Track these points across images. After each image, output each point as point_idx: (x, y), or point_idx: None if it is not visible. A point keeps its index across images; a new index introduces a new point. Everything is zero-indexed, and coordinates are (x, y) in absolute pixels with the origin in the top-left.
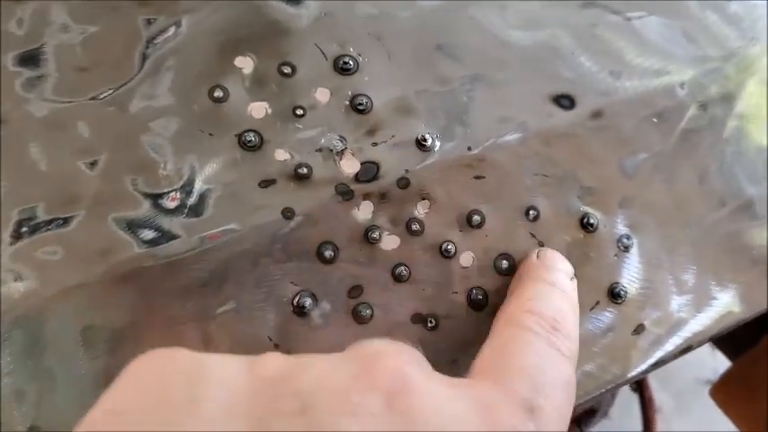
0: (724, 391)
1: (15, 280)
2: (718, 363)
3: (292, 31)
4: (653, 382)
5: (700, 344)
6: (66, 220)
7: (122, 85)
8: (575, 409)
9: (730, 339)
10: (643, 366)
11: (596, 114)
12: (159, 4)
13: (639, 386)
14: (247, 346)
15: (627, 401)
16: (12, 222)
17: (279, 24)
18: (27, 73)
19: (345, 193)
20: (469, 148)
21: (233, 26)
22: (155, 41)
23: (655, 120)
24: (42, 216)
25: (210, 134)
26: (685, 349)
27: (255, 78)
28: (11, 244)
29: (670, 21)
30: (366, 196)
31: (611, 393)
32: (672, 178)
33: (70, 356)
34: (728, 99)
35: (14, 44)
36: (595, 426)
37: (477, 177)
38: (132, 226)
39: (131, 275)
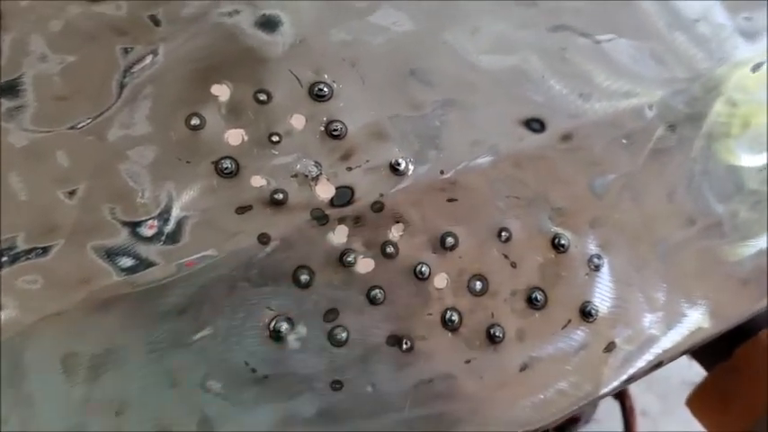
0: (699, 402)
1: None
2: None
3: (268, 59)
4: (639, 384)
5: (671, 359)
6: (45, 250)
7: (100, 114)
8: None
9: (705, 350)
10: (615, 383)
11: (566, 137)
12: (136, 32)
13: (620, 394)
14: (225, 371)
15: (611, 403)
16: None
17: (254, 52)
18: (6, 103)
19: (320, 218)
20: (442, 172)
21: (209, 54)
22: (132, 70)
23: (624, 141)
24: (22, 245)
25: (188, 161)
26: (656, 365)
27: (232, 106)
28: None
29: (639, 43)
30: (341, 220)
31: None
32: (641, 198)
33: (51, 383)
34: (696, 119)
35: None
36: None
37: (450, 200)
38: (111, 254)
39: (110, 303)
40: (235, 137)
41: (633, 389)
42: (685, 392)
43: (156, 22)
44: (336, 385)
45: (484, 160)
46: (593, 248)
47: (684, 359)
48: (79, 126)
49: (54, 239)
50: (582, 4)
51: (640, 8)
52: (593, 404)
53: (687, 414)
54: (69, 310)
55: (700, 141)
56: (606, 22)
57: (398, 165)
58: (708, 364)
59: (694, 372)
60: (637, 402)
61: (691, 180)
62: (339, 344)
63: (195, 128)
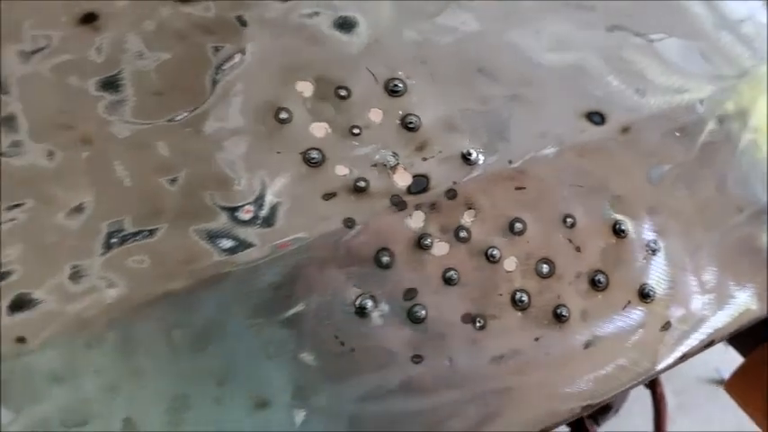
0: (738, 385)
1: (108, 287)
2: (719, 362)
3: (346, 57)
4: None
5: (721, 339)
6: (151, 232)
7: (196, 108)
8: (593, 405)
9: (741, 336)
10: (670, 360)
11: (625, 129)
12: (224, 32)
13: (652, 383)
14: (315, 345)
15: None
16: (102, 234)
17: (334, 51)
18: (108, 97)
19: (399, 204)
20: (510, 162)
21: (293, 53)
22: (223, 67)
23: (677, 134)
24: (129, 228)
25: (278, 152)
26: (708, 344)
27: (315, 101)
28: (102, 254)
29: (688, 42)
30: (418, 207)
31: (626, 391)
32: (694, 187)
33: (159, 356)
34: (743, 114)
35: (95, 70)
36: (607, 421)
37: (519, 188)
38: (212, 236)
39: (213, 281)
40: (319, 129)
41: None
42: (701, 389)
43: (243, 23)
44: (416, 359)
45: (549, 151)
46: (650, 234)
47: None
48: (177, 119)
49: (159, 223)
50: (635, 6)
51: (689, 10)
52: (627, 393)
53: (702, 410)
54: (175, 288)
55: (747, 135)
56: (658, 23)
57: (469, 155)
58: (743, 349)
59: (710, 369)
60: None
61: (739, 171)
62: (418, 321)
63: (283, 121)
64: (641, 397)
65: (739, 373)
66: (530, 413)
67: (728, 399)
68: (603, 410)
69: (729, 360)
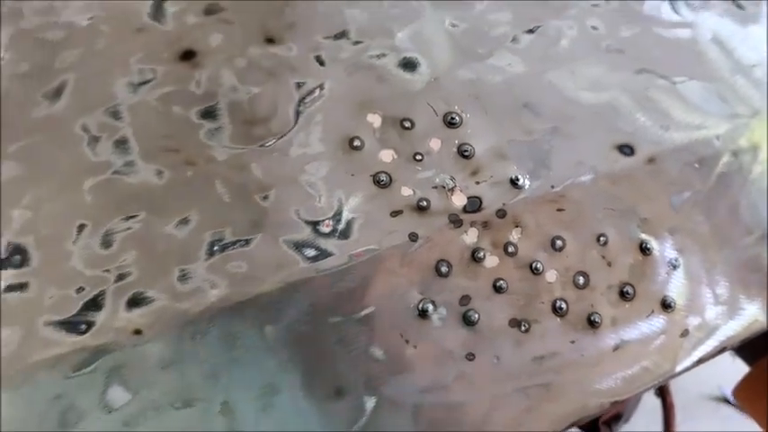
0: (745, 392)
1: (211, 287)
2: (722, 379)
3: (410, 93)
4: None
5: (732, 347)
6: (247, 241)
7: (283, 135)
8: (620, 401)
9: (747, 346)
10: (688, 363)
11: (651, 160)
12: (305, 70)
13: (662, 392)
14: (384, 342)
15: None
16: (205, 243)
17: (399, 87)
18: (207, 125)
19: (456, 222)
20: (552, 187)
21: (364, 89)
22: (305, 100)
23: (696, 165)
24: (229, 238)
25: (352, 174)
26: (721, 350)
27: (383, 131)
28: (206, 260)
29: (707, 84)
30: (472, 224)
31: (637, 400)
32: (709, 211)
33: (253, 348)
34: (755, 148)
35: (195, 101)
36: (619, 429)
37: (559, 210)
38: (298, 246)
39: (299, 284)
40: (387, 156)
41: (654, 400)
42: (703, 405)
43: (321, 62)
44: (469, 357)
45: (586, 178)
46: (671, 252)
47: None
48: (267, 144)
49: (254, 234)
50: (660, 51)
51: (707, 56)
52: (637, 401)
53: (704, 425)
54: (268, 290)
55: (757, 166)
56: (680, 67)
57: (517, 180)
58: (750, 359)
59: (713, 385)
60: (657, 412)
61: (749, 198)
62: (471, 323)
63: (356, 148)
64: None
65: (746, 382)
66: (565, 406)
67: (730, 415)
68: (616, 418)
69: (731, 378)
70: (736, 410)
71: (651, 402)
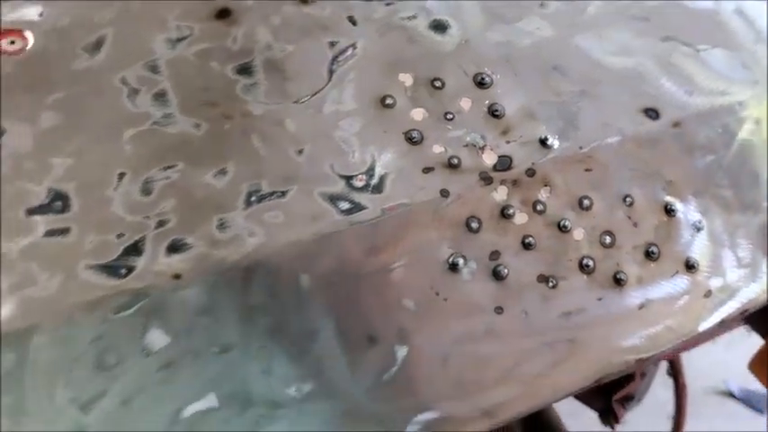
0: (759, 364)
1: (249, 236)
2: (726, 374)
3: (440, 54)
4: (666, 391)
5: (754, 308)
6: (283, 193)
7: (316, 93)
8: (615, 389)
9: (762, 319)
10: (710, 324)
11: (676, 124)
12: (338, 29)
13: (675, 373)
14: (415, 294)
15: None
16: (243, 193)
17: (429, 48)
18: (243, 80)
19: (486, 179)
20: (581, 147)
21: (395, 49)
22: (338, 59)
23: (719, 130)
24: (266, 189)
25: (384, 131)
26: (743, 312)
27: (415, 90)
28: (243, 209)
29: (730, 52)
30: (502, 182)
31: (648, 382)
32: (733, 175)
33: (290, 296)
34: None
35: (231, 57)
36: (630, 410)
37: (587, 170)
38: (332, 199)
39: (333, 235)
40: (418, 114)
41: (662, 393)
42: (709, 399)
43: (353, 23)
44: (498, 310)
45: (613, 140)
46: (695, 214)
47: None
48: (302, 101)
49: (289, 186)
50: (684, 21)
51: (730, 26)
52: (648, 383)
53: (710, 420)
54: (303, 239)
55: None
56: (703, 36)
57: (546, 140)
58: (764, 331)
59: (718, 380)
60: (665, 407)
61: None
62: (501, 278)
63: (388, 106)
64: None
65: (761, 354)
66: (591, 362)
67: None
68: (628, 398)
69: (737, 372)
70: (742, 405)
71: (653, 401)
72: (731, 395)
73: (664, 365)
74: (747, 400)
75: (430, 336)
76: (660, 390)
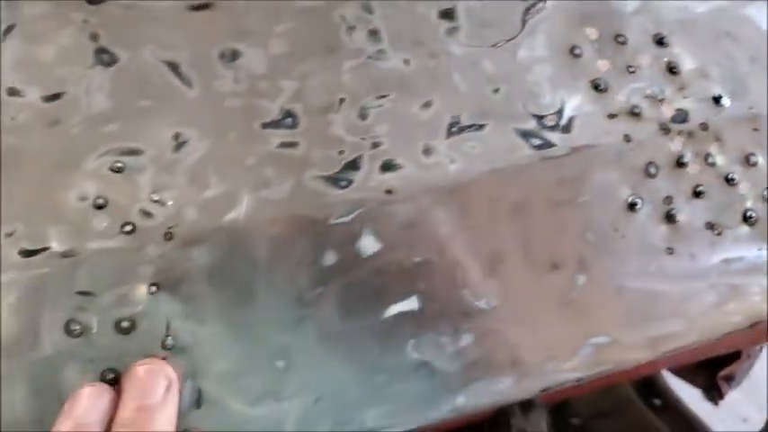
0: None
1: (450, 163)
2: None
3: (623, 13)
4: (738, 394)
5: None
6: (480, 127)
7: (511, 39)
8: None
9: None
10: None
11: None
12: None
13: None
14: (597, 227)
15: None
16: (445, 124)
17: (613, 7)
18: (446, 24)
19: (665, 129)
20: (750, 108)
21: (583, 5)
22: (530, 11)
23: None
24: (465, 122)
25: (573, 78)
26: None
27: (600, 43)
28: (446, 138)
29: None
30: (679, 133)
31: (749, 366)
32: None
33: (486, 218)
34: None
35: (435, 2)
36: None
37: (755, 129)
38: (525, 135)
39: (527, 168)
40: (603, 65)
41: (735, 396)
42: None
43: None
44: (669, 251)
45: None
46: None
47: None
48: (498, 45)
49: (486, 120)
50: None
51: None
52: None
53: None
54: (499, 168)
55: None
56: None
57: (720, 98)
58: None
59: None
60: (737, 410)
61: None
62: (673, 221)
63: (576, 55)
64: None
65: None
66: (750, 308)
67: None
68: (729, 378)
69: None
70: None
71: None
72: None
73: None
74: None
75: (607, 268)
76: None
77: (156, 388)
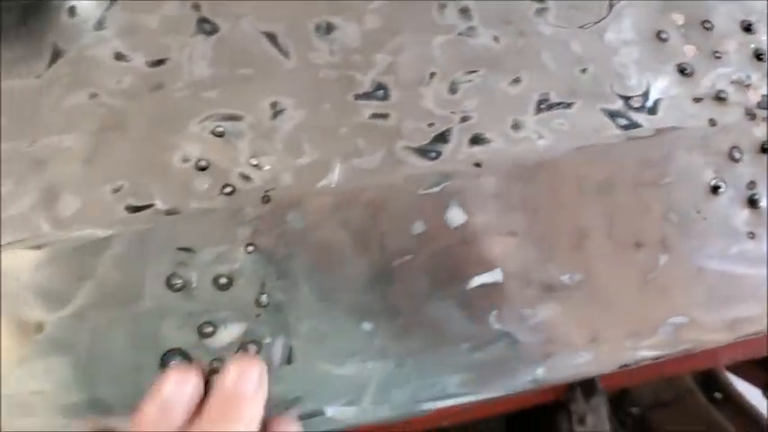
0: None
1: (538, 138)
2: None
3: (709, 1)
4: None
5: None
6: (569, 105)
7: (598, 22)
8: None
9: None
10: None
11: None
12: None
13: None
14: (680, 208)
15: None
16: (534, 101)
17: None
18: (536, 5)
19: (750, 115)
20: None
21: None
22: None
23: None
24: (554, 99)
25: (659, 61)
26: None
27: (686, 28)
28: (534, 114)
29: None
30: (764, 119)
31: None
32: None
33: (567, 196)
34: None
35: None
36: None
37: None
38: (612, 114)
39: (613, 147)
40: (689, 50)
41: None
42: None
43: None
44: (750, 235)
45: None
46: None
47: None
48: (586, 27)
49: (574, 99)
50: None
51: None
52: None
53: None
54: (586, 147)
55: None
56: None
57: None
58: None
59: None
60: None
61: None
62: (755, 206)
63: (663, 40)
64: None
65: None
66: None
67: None
68: None
69: None
70: None
71: None
72: None
73: None
74: None
75: (689, 249)
76: None
77: (249, 383)
